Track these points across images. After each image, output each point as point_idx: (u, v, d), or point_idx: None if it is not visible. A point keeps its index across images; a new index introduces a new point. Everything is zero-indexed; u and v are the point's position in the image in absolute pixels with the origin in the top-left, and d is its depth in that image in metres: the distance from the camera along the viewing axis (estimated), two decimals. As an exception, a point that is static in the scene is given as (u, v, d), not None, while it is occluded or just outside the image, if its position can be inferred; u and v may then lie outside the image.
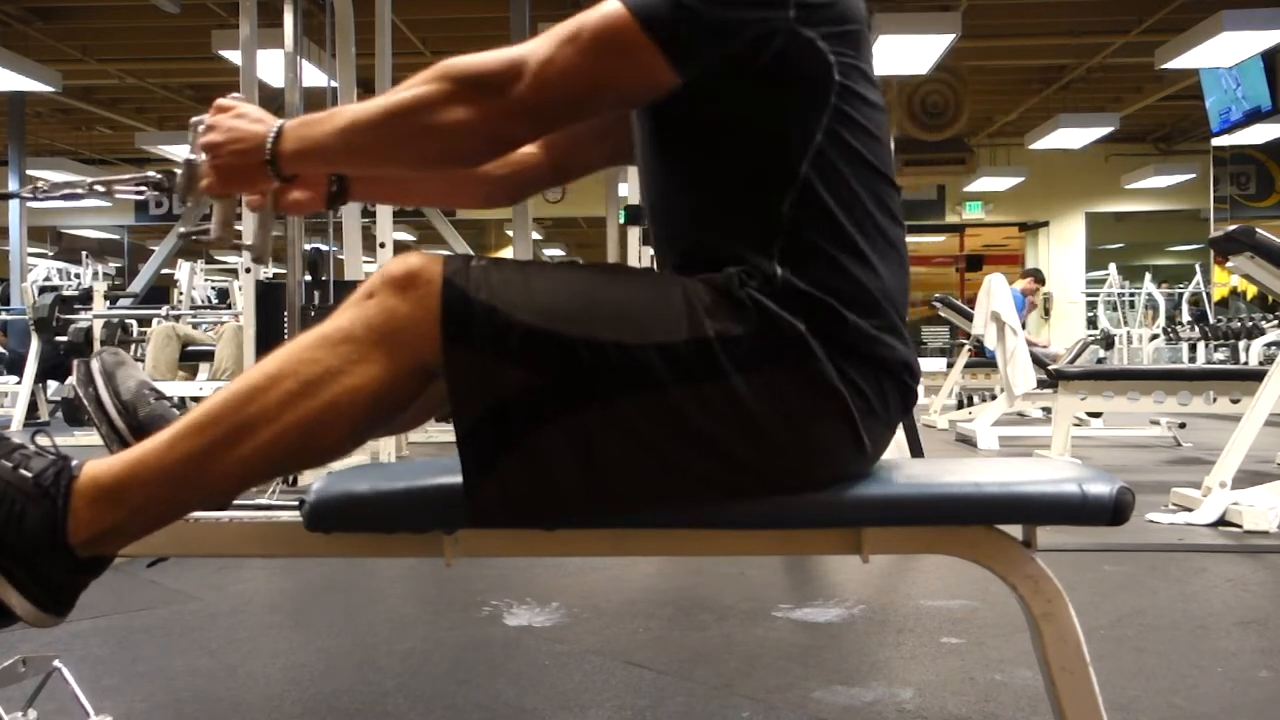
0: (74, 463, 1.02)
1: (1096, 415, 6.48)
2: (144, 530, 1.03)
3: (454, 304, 0.99)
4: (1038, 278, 9.01)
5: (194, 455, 0.99)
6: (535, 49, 1.01)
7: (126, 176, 1.23)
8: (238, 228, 1.16)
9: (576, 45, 1.00)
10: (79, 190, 1.26)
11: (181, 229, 1.20)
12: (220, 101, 1.12)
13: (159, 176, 1.19)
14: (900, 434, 2.64)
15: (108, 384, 1.24)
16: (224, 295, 11.11)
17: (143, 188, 1.21)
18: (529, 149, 1.31)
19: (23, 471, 1.00)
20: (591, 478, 1.01)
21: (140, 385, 1.26)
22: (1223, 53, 7.60)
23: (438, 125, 1.01)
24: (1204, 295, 12.10)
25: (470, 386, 0.99)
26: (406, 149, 1.05)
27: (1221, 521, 3.26)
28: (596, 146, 1.33)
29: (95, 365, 1.26)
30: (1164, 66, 8.06)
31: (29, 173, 11.64)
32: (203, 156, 1.10)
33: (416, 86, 1.02)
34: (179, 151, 8.25)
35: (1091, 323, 13.51)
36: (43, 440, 1.06)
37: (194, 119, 1.12)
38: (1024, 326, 7.53)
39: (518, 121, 1.02)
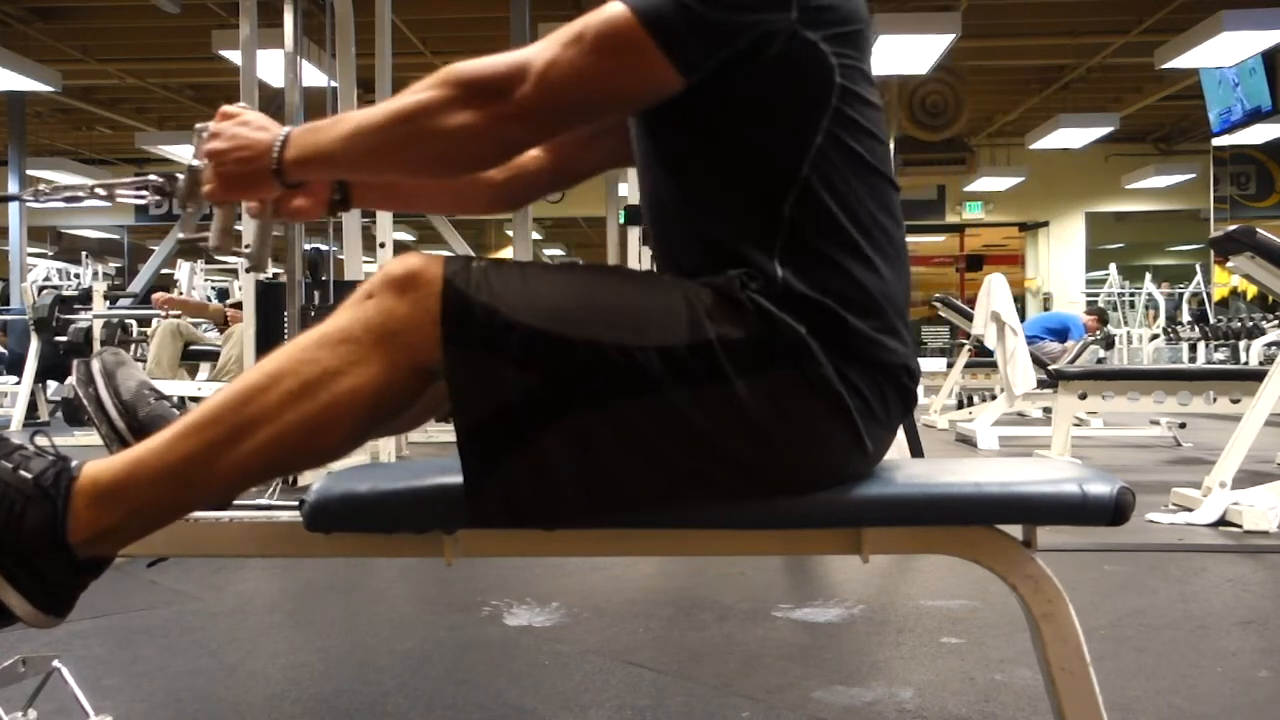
0: (74, 463, 1.02)
1: (1094, 412, 6.48)
2: (144, 530, 1.03)
3: (454, 305, 0.98)
4: (1102, 318, 9.34)
5: (194, 455, 0.99)
6: (539, 52, 1.00)
7: (128, 180, 1.23)
8: (237, 231, 1.16)
9: (580, 48, 0.99)
10: (81, 194, 1.25)
11: (181, 234, 1.20)
12: (225, 109, 1.11)
13: (161, 180, 1.19)
14: (900, 434, 2.65)
15: (108, 384, 1.24)
16: (224, 295, 11.11)
17: (144, 191, 1.21)
18: (532, 153, 1.30)
19: (22, 472, 1.00)
20: (593, 478, 1.01)
21: (140, 385, 1.26)
22: (1223, 53, 7.60)
23: (442, 130, 1.00)
24: (1204, 295, 12.10)
25: (471, 388, 0.99)
26: (411, 154, 1.04)
27: (1221, 521, 3.26)
28: (598, 148, 1.33)
29: (95, 365, 1.25)
30: (1164, 66, 8.06)
31: (29, 173, 11.64)
32: (205, 162, 1.10)
33: (420, 92, 1.01)
34: (179, 151, 8.26)
35: (1091, 323, 13.50)
36: (42, 441, 1.06)
37: (199, 125, 1.12)
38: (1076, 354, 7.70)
39: (522, 125, 1.01)
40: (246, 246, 1.21)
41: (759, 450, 1.01)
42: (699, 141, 1.07)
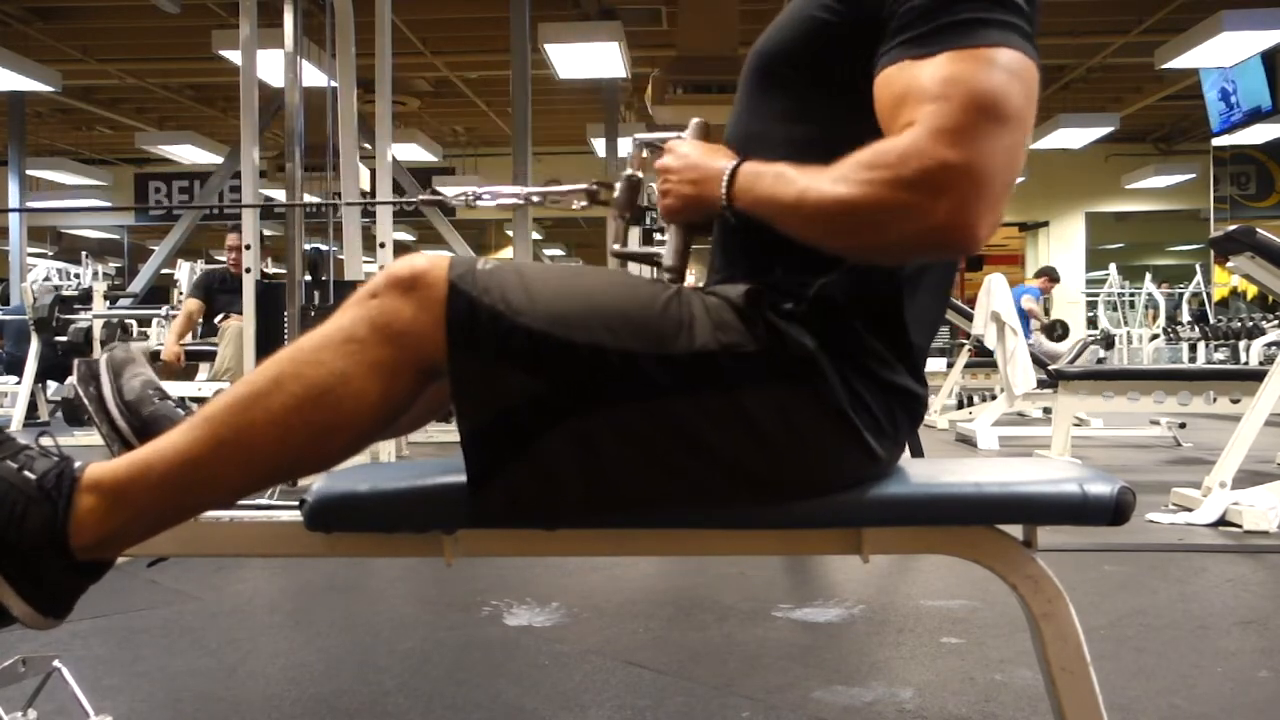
0: (77, 465, 1.02)
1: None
2: (146, 534, 1.03)
3: (460, 307, 0.98)
4: (1052, 276, 9.19)
5: (199, 460, 0.98)
6: (980, 146, 0.87)
7: (564, 189, 1.23)
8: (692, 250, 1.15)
9: (1013, 124, 0.89)
10: (519, 199, 1.26)
11: (614, 246, 1.21)
12: (696, 121, 1.13)
13: (597, 188, 1.19)
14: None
15: (113, 381, 1.24)
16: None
17: (581, 201, 1.21)
18: None
19: (26, 473, 1.00)
20: (596, 482, 1.00)
21: (145, 385, 1.25)
22: (1223, 53, 7.60)
23: (885, 243, 0.92)
24: (1204, 295, 12.10)
25: (475, 391, 0.98)
26: (844, 246, 0.97)
27: (1221, 521, 3.26)
28: None
29: (103, 360, 1.25)
30: (1164, 66, 8.06)
31: (29, 173, 11.63)
32: (640, 174, 1.11)
33: (871, 185, 0.90)
34: (179, 151, 8.24)
35: (1091, 323, 13.51)
36: (46, 441, 1.06)
37: (638, 135, 1.14)
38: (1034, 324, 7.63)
39: (980, 235, 0.90)
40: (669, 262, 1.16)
41: (765, 457, 1.01)
42: (818, 143, 1.02)
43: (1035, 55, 0.93)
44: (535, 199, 1.25)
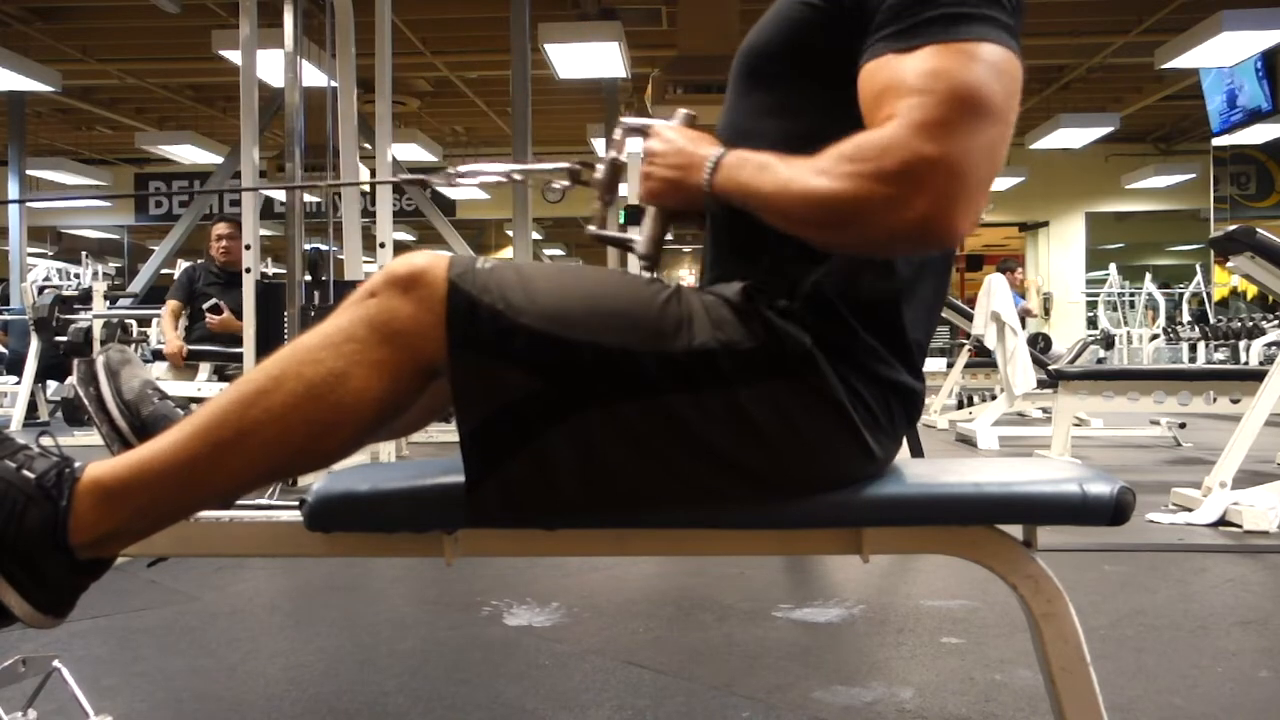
0: (77, 464, 1.02)
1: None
2: (146, 532, 1.03)
3: (459, 306, 0.98)
4: (1011, 267, 9.11)
5: (197, 457, 0.98)
6: (960, 141, 0.88)
7: (545, 166, 1.22)
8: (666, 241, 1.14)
9: (996, 116, 0.89)
10: (499, 177, 1.25)
11: (593, 229, 1.19)
12: (682, 112, 1.14)
13: (579, 168, 1.19)
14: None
15: (111, 382, 1.24)
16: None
17: (563, 181, 1.21)
18: None
19: (25, 472, 1.00)
20: (594, 480, 1.01)
21: (144, 385, 1.25)
22: (1223, 53, 7.61)
23: (869, 238, 0.93)
24: (1204, 295, 12.10)
25: (475, 389, 0.99)
26: (826, 238, 0.97)
27: (1222, 521, 3.26)
28: None
29: (100, 361, 1.25)
30: (1164, 66, 8.06)
31: (29, 173, 11.63)
32: (624, 157, 1.11)
33: (856, 178, 0.90)
34: (179, 151, 8.17)
35: (1091, 323, 13.51)
36: (46, 441, 1.06)
37: (623, 119, 1.13)
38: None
39: (959, 230, 0.90)
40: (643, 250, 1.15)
41: (762, 454, 1.01)
42: (806, 138, 1.01)
43: (1017, 50, 0.93)
44: (517, 176, 1.25)
